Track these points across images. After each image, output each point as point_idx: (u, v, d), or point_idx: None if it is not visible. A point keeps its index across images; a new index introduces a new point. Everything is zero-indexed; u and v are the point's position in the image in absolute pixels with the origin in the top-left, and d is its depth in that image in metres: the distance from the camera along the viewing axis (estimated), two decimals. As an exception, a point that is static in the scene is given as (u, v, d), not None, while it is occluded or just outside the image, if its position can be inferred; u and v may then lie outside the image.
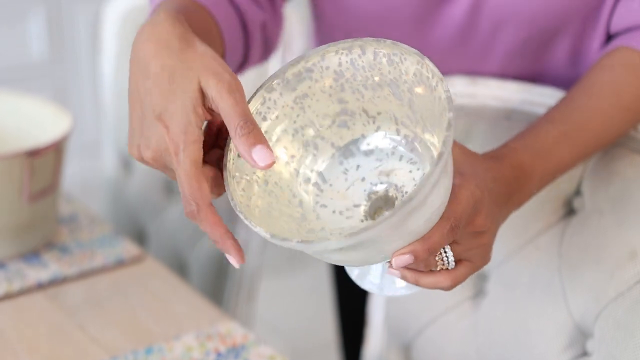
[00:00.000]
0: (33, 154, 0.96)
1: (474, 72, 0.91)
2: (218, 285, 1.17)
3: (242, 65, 0.83)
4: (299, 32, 1.12)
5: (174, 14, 0.67)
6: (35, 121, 1.07)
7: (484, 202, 0.64)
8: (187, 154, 0.61)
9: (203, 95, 0.62)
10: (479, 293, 0.87)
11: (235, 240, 0.61)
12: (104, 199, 1.37)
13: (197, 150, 0.61)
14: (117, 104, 1.33)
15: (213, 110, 0.63)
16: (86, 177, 1.46)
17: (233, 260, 0.62)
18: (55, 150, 0.99)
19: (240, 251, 0.61)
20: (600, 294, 0.76)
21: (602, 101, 0.74)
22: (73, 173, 1.33)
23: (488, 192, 0.65)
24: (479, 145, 0.88)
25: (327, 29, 0.94)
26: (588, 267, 0.77)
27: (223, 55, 0.77)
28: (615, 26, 0.80)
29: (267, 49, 0.85)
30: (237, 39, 0.80)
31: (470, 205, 0.62)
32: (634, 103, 0.75)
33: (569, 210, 0.81)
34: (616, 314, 0.74)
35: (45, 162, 0.97)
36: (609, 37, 0.82)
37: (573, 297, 0.78)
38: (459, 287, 0.86)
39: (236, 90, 0.62)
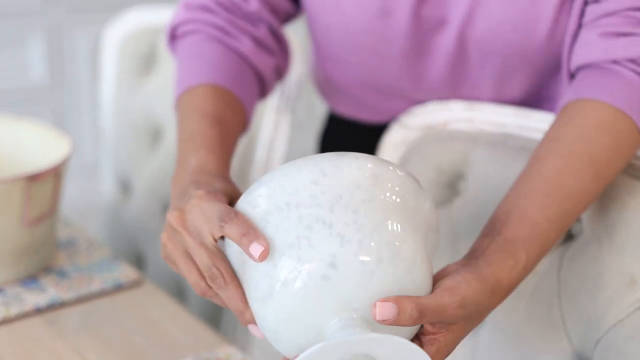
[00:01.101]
0: (32, 178, 0.96)
1: (470, 99, 0.92)
2: (216, 309, 1.16)
3: (260, 100, 0.93)
4: (298, 57, 1.12)
5: (204, 159, 0.76)
6: (35, 146, 1.07)
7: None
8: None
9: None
10: (477, 319, 0.87)
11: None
12: (102, 222, 1.36)
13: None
14: (116, 128, 1.34)
15: None
16: (84, 200, 1.46)
17: (257, 332, 0.66)
18: (55, 175, 0.99)
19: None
20: (599, 321, 0.75)
21: (582, 179, 0.72)
22: (71, 196, 1.33)
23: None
24: (477, 171, 0.88)
25: (322, 54, 0.97)
26: (587, 294, 0.77)
27: (247, 122, 0.88)
28: (576, 61, 0.79)
29: (281, 77, 0.96)
30: (255, 95, 0.90)
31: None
32: (609, 170, 0.74)
33: (568, 236, 0.81)
34: (616, 341, 0.74)
35: (44, 186, 0.97)
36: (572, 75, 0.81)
37: (572, 324, 0.78)
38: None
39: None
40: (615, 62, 0.76)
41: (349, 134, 1.07)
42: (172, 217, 0.68)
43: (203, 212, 0.67)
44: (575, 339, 0.78)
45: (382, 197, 0.63)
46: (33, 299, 0.97)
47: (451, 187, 0.90)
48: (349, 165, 0.63)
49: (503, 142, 0.87)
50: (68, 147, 1.02)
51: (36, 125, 1.08)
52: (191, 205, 0.68)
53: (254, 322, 0.66)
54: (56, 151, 1.03)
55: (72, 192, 1.35)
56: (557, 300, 0.79)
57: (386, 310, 0.58)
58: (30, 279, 1.00)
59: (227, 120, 0.82)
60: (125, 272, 1.03)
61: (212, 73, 0.85)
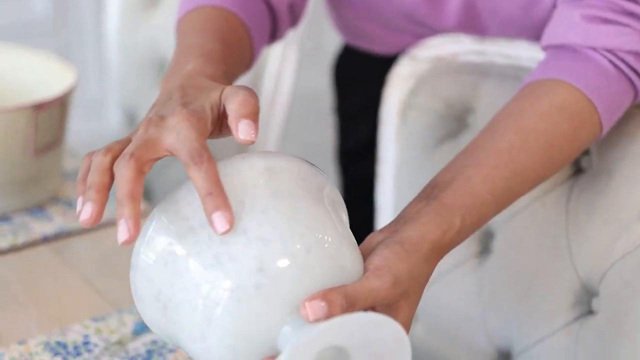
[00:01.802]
0: (38, 107, 0.95)
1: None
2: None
3: (270, 42, 0.86)
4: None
5: (200, 68, 0.68)
6: (40, 76, 1.07)
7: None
8: (192, 110, 0.60)
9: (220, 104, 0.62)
10: (484, 251, 0.87)
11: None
12: (108, 156, 1.36)
13: (201, 117, 0.60)
14: (121, 62, 1.33)
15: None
16: (90, 136, 1.46)
17: (223, 222, 0.57)
18: (61, 105, 0.98)
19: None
20: (607, 253, 0.76)
21: (535, 159, 0.69)
22: (77, 131, 1.33)
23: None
24: (486, 104, 0.87)
25: None
26: (595, 226, 0.77)
27: (252, 58, 0.80)
28: (551, 39, 0.76)
29: (295, 20, 0.88)
30: (266, 31, 0.83)
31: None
32: (562, 157, 0.71)
33: (577, 170, 0.81)
34: (623, 272, 0.74)
35: (50, 116, 0.97)
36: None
37: (579, 256, 0.78)
38: (464, 244, 0.87)
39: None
40: (593, 48, 0.73)
41: (361, 65, 1.06)
42: (146, 121, 0.61)
43: (177, 138, 0.59)
44: (582, 271, 0.78)
45: (284, 187, 0.59)
46: (40, 228, 0.97)
47: (460, 120, 0.90)
48: (238, 169, 0.59)
49: (515, 75, 0.86)
50: (73, 77, 1.01)
51: (41, 55, 1.07)
52: (169, 123, 0.59)
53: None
54: (62, 81, 1.03)
55: (78, 128, 1.34)
56: (565, 233, 0.79)
57: (316, 309, 0.55)
58: (37, 208, 1.01)
59: (232, 43, 0.76)
60: (132, 203, 1.03)
61: None
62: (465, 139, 0.88)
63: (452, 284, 0.88)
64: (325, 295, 0.56)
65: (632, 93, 0.73)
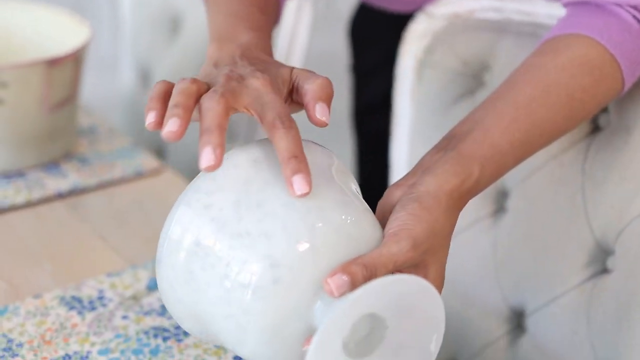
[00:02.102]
0: (52, 63, 0.95)
1: None
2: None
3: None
4: None
5: (255, 41, 0.68)
6: (54, 32, 1.06)
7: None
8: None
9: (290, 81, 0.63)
10: (499, 209, 0.87)
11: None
12: (122, 113, 1.36)
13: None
14: (135, 17, 1.32)
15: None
16: (104, 93, 1.45)
17: (303, 185, 0.57)
18: (75, 60, 0.98)
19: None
20: (623, 211, 0.75)
21: (555, 113, 0.69)
22: (91, 88, 1.32)
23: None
24: (503, 62, 0.86)
25: None
26: (612, 184, 0.76)
27: (279, 14, 0.80)
28: None
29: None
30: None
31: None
32: (583, 111, 0.70)
33: (595, 127, 0.80)
34: (639, 231, 0.74)
35: (64, 71, 0.97)
36: None
37: (595, 214, 0.78)
38: (479, 203, 0.86)
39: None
40: (618, 4, 0.71)
41: (377, 22, 1.05)
42: (225, 75, 0.61)
43: (261, 100, 0.60)
44: (597, 230, 0.78)
45: (277, 173, 0.59)
46: (55, 184, 0.97)
47: (476, 78, 0.89)
48: (223, 169, 0.59)
49: (532, 32, 0.85)
50: (87, 32, 1.01)
51: (55, 11, 1.07)
52: (250, 83, 0.60)
53: None
54: (75, 37, 1.02)
55: (91, 85, 1.34)
56: (581, 191, 0.79)
57: (339, 283, 0.55)
58: (52, 165, 1.01)
59: (268, 3, 0.76)
60: (146, 159, 1.03)
61: None
62: (482, 97, 0.87)
63: (467, 243, 0.88)
64: (345, 268, 0.56)
65: None
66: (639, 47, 0.71)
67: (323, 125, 0.61)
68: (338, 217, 0.58)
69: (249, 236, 0.57)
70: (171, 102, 0.60)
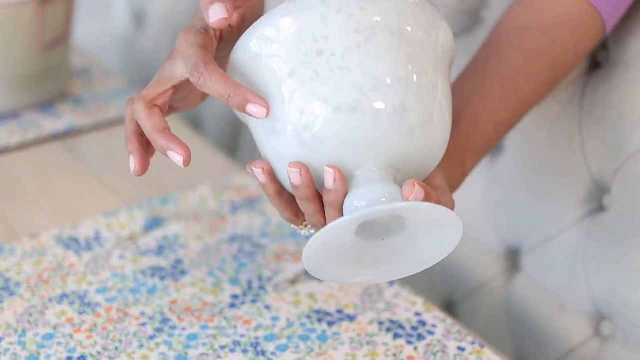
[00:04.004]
0: (44, 1, 0.93)
1: None
2: (233, 139, 1.16)
3: None
4: None
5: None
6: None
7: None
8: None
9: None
10: (496, 148, 0.86)
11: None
12: (116, 54, 1.35)
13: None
14: (128, -43, 1.30)
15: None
16: (98, 34, 1.44)
17: (260, 110, 0.58)
18: (67, -1, 0.97)
19: (263, 101, 0.58)
20: (621, 149, 0.75)
21: (538, 82, 0.70)
22: (84, 30, 1.31)
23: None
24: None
25: None
26: (610, 121, 0.76)
27: None
28: None
29: None
30: None
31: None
32: (565, 73, 0.72)
33: (594, 64, 0.79)
34: (637, 168, 0.73)
35: (56, 10, 0.95)
36: None
37: (592, 152, 0.78)
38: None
39: None
40: None
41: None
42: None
43: (182, 59, 0.60)
44: (594, 167, 0.78)
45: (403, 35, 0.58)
46: (50, 125, 0.97)
47: (473, 14, 0.88)
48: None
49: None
50: (79, -29, 0.99)
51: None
52: (177, 46, 0.61)
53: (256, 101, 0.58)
54: (67, -25, 1.00)
55: (85, 26, 1.33)
56: (579, 128, 0.78)
57: (417, 194, 0.57)
58: (46, 105, 1.00)
59: None
60: (141, 100, 1.02)
61: None
62: (480, 33, 0.86)
63: (463, 183, 0.88)
64: (427, 189, 0.58)
65: None
66: None
67: (220, 25, 0.59)
68: (437, 108, 0.59)
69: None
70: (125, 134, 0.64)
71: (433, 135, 0.59)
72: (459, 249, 0.89)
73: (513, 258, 0.87)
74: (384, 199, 0.57)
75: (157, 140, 0.61)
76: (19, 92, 0.98)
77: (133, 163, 0.63)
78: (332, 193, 0.58)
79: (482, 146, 0.69)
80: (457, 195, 0.88)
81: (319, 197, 0.60)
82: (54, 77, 1.00)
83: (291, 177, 0.58)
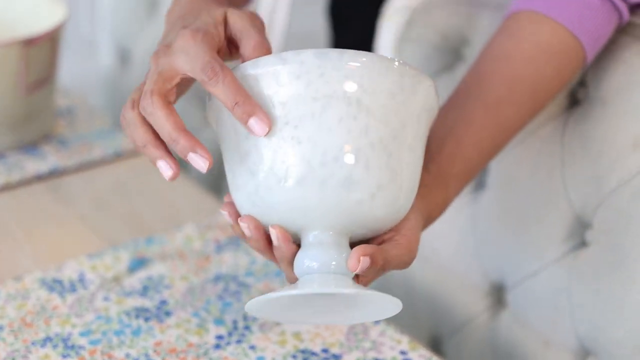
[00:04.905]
0: (28, 42, 0.94)
1: None
2: (217, 177, 1.17)
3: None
4: None
5: None
6: (29, 11, 1.05)
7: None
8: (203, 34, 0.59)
9: (226, 23, 0.61)
10: (479, 184, 0.87)
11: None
12: (101, 93, 1.35)
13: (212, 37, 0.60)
14: (112, -3, 1.31)
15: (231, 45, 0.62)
16: (82, 73, 1.45)
17: (261, 128, 0.56)
18: (51, 40, 0.97)
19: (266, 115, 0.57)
20: (602, 184, 0.75)
21: (521, 109, 0.71)
22: (69, 69, 1.31)
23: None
24: (483, 36, 0.86)
25: None
26: (590, 157, 0.76)
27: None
28: None
29: None
30: None
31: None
32: (547, 100, 0.72)
33: (573, 102, 0.80)
34: (617, 203, 0.74)
35: (41, 51, 0.96)
36: None
37: (574, 188, 0.78)
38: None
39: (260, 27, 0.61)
40: None
41: (356, 0, 1.04)
42: (154, 55, 0.59)
43: (187, 58, 0.57)
44: (576, 202, 0.78)
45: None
46: (34, 166, 0.97)
47: (455, 52, 0.89)
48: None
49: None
50: (63, 12, 1.00)
51: (30, -9, 1.06)
52: (175, 47, 0.58)
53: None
54: (51, 17, 1.01)
55: (69, 66, 1.33)
56: (560, 165, 0.79)
57: (363, 265, 0.57)
58: (30, 147, 1.00)
59: None
60: (126, 140, 1.02)
61: None
62: (461, 71, 0.87)
63: (446, 219, 0.88)
64: (373, 254, 0.57)
65: (617, 18, 0.73)
66: (601, 21, 0.71)
67: None
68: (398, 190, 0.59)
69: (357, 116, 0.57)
70: (135, 142, 0.59)
71: (386, 201, 0.58)
72: (445, 285, 0.90)
73: (498, 294, 0.87)
74: (334, 263, 0.57)
75: (180, 141, 0.56)
76: (3, 134, 0.98)
77: (168, 168, 0.58)
78: (278, 250, 0.59)
79: (466, 172, 0.69)
80: (441, 232, 0.88)
81: (271, 248, 0.60)
82: (38, 118, 1.00)
83: (242, 230, 0.59)
